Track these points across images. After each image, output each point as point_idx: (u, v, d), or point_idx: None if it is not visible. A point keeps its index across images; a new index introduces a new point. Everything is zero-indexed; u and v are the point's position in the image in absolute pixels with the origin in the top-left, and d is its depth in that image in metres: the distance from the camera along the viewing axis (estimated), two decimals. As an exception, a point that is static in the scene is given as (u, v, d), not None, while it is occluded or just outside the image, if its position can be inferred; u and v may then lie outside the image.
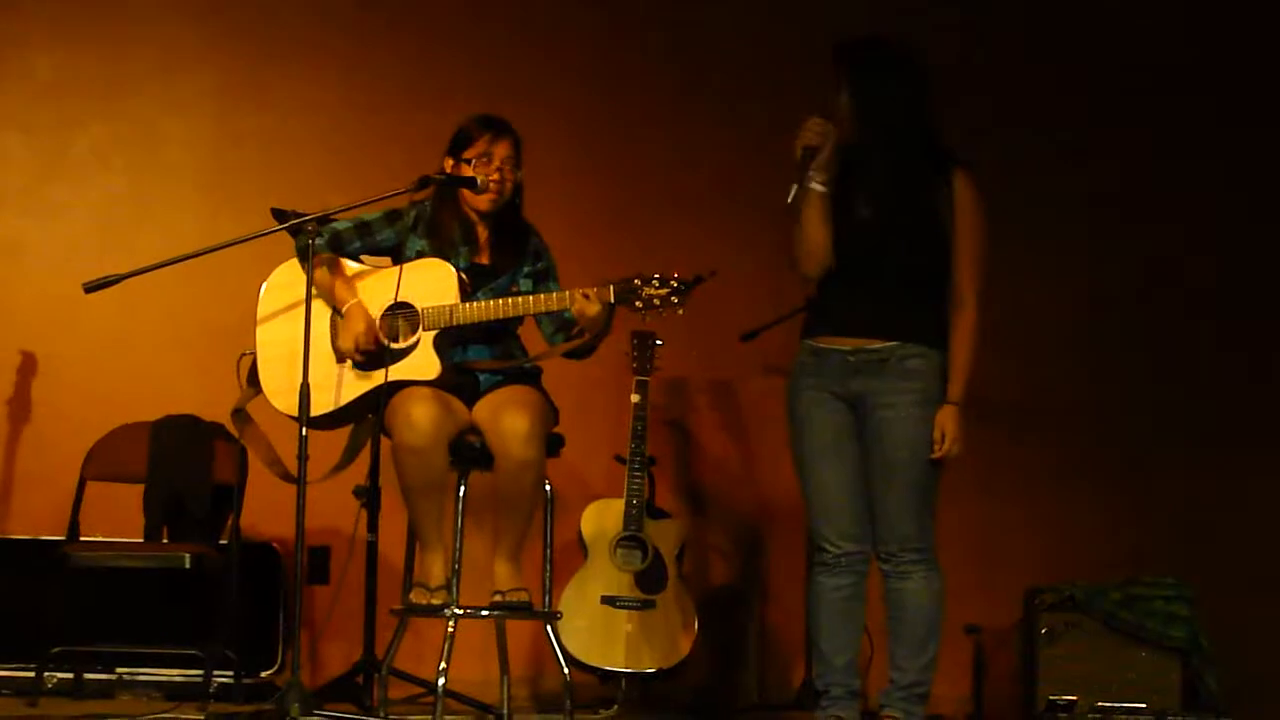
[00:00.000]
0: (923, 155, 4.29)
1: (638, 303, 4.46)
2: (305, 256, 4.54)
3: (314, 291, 4.53)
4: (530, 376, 4.70)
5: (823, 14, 5.96)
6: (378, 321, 4.60)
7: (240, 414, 4.74)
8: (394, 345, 4.57)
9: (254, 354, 4.69)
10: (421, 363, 4.56)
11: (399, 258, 4.67)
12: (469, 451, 4.56)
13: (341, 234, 4.69)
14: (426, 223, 4.71)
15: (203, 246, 4.63)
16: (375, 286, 4.63)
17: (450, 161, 4.71)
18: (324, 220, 4.55)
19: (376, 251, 4.75)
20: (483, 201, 4.68)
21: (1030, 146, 6.05)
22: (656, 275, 4.47)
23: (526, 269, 4.74)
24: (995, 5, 6.16)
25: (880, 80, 4.27)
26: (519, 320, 4.71)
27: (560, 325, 4.70)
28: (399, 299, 4.57)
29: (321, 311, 4.60)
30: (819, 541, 4.35)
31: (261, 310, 4.69)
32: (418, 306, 4.57)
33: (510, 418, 4.48)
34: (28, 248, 6.04)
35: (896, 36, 4.38)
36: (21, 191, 6.09)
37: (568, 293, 4.54)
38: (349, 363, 4.60)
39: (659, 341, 5.59)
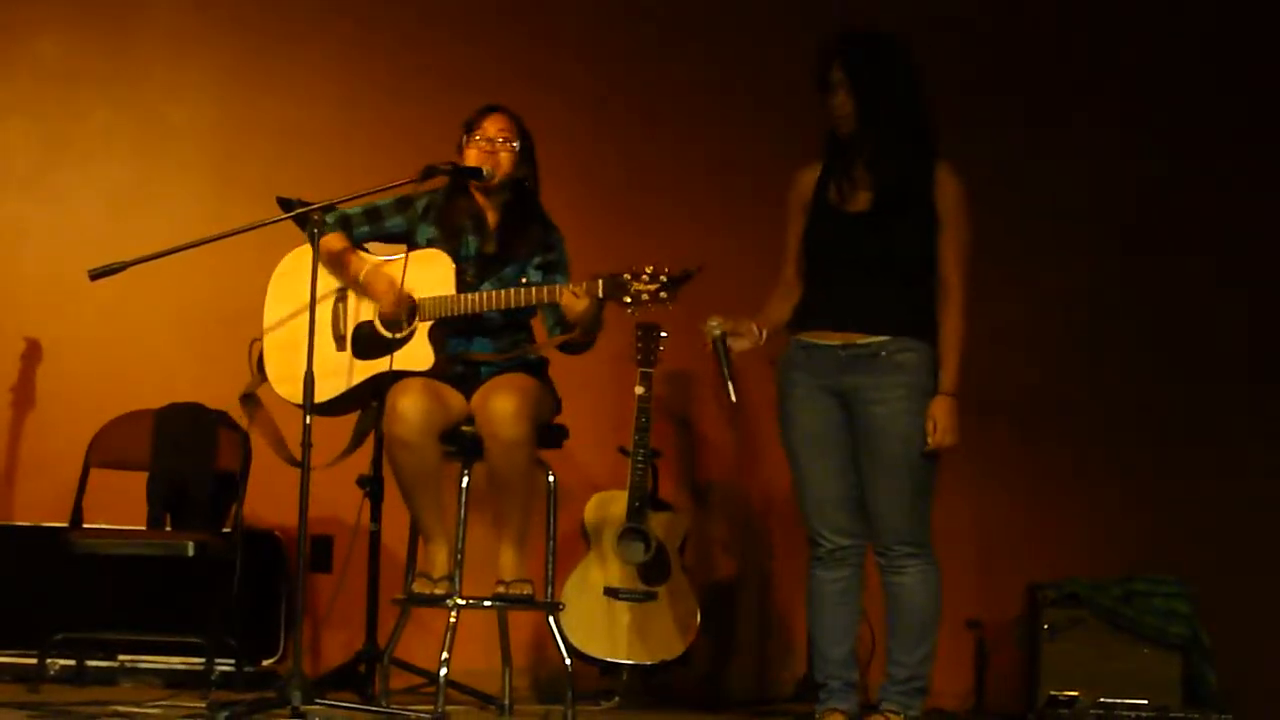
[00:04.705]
0: (916, 149, 4.28)
1: (626, 298, 4.43)
2: (314, 244, 4.53)
3: (325, 267, 4.53)
4: (533, 368, 4.70)
5: (827, 6, 5.95)
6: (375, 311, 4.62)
7: (250, 398, 4.74)
8: (391, 335, 4.58)
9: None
10: (416, 354, 4.57)
11: (412, 245, 4.68)
12: (464, 441, 4.56)
13: (351, 218, 4.71)
14: (437, 211, 4.71)
15: (208, 234, 4.62)
16: (378, 275, 4.66)
17: (461, 157, 4.73)
18: (329, 209, 4.54)
19: (385, 238, 4.76)
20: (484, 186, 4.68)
21: (1034, 146, 6.04)
22: (645, 270, 4.43)
23: (537, 260, 4.73)
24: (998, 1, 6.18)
25: (877, 74, 4.26)
26: (530, 312, 4.71)
27: (559, 319, 4.68)
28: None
29: (325, 298, 4.60)
30: (813, 535, 4.36)
31: (269, 297, 4.72)
32: (415, 297, 4.58)
33: (497, 399, 4.47)
34: (33, 233, 6.05)
35: (890, 31, 4.37)
36: (27, 177, 6.09)
37: (557, 287, 4.53)
38: (349, 350, 4.61)
39: (663, 334, 5.58)
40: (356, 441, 4.78)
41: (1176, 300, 6.06)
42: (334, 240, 4.66)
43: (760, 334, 4.38)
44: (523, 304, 4.57)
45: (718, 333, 4.33)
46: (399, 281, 4.56)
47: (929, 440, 4.21)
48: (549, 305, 4.61)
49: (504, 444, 4.46)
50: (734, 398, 4.30)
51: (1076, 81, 6.12)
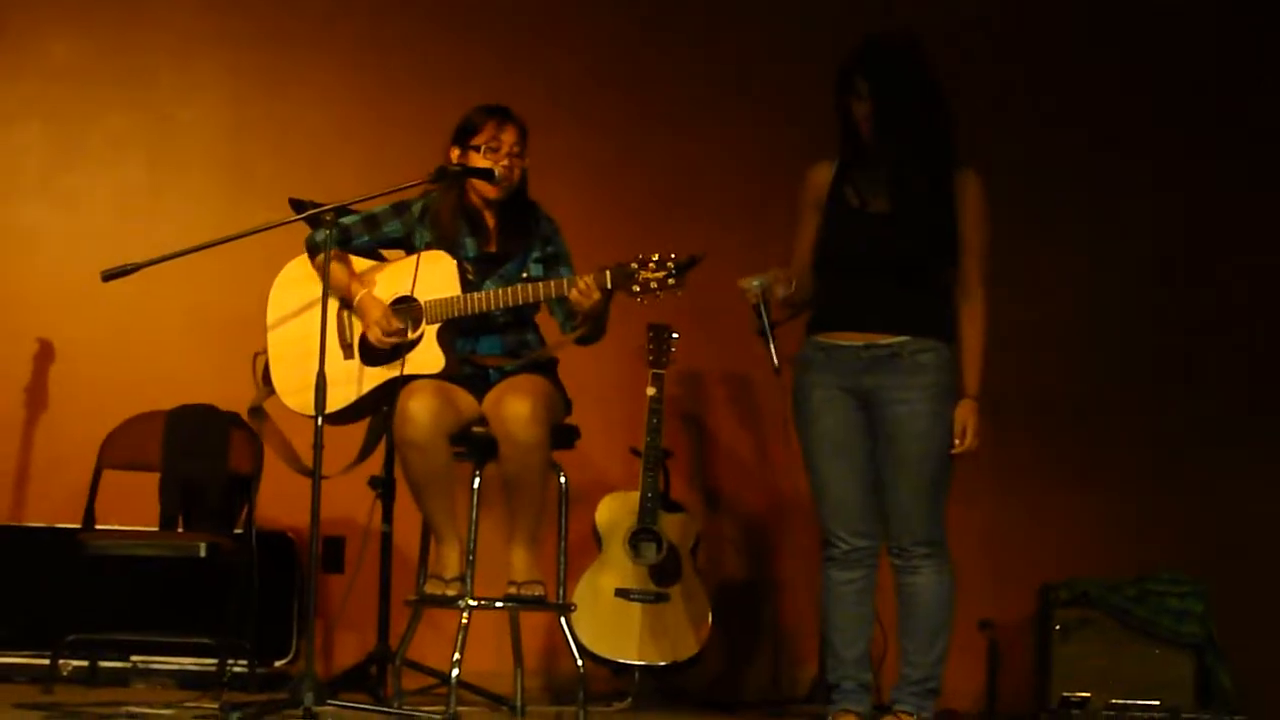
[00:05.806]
0: (935, 152, 4.27)
1: (635, 287, 4.39)
2: (316, 250, 4.53)
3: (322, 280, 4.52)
4: (543, 368, 4.69)
5: (833, 7, 5.96)
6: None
7: (258, 412, 4.75)
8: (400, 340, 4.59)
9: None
10: (426, 357, 4.56)
11: (410, 249, 4.67)
12: (476, 442, 4.56)
13: (350, 228, 4.69)
14: (434, 213, 4.70)
15: (219, 235, 4.62)
16: (381, 280, 4.65)
17: (456, 151, 4.70)
18: (342, 210, 4.54)
19: (385, 244, 4.75)
20: (492, 190, 4.67)
21: (1038, 147, 6.03)
22: (653, 258, 4.38)
23: (536, 254, 4.72)
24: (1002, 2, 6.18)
25: (901, 83, 4.24)
26: (534, 309, 4.70)
27: (569, 313, 4.66)
28: (399, 294, 4.57)
29: (331, 306, 4.58)
30: (828, 536, 4.35)
31: (271, 309, 4.70)
32: (420, 300, 4.57)
33: (511, 403, 4.46)
34: (45, 236, 6.06)
35: (907, 33, 4.36)
36: (39, 180, 6.10)
37: (564, 280, 4.51)
38: (358, 358, 4.60)
39: (675, 334, 5.58)
40: (368, 449, 4.78)
41: (1185, 303, 6.05)
42: (332, 260, 4.61)
43: (791, 282, 4.26)
44: (530, 300, 4.56)
45: (758, 291, 4.18)
46: (390, 313, 4.54)
47: (956, 444, 4.22)
48: (559, 300, 4.60)
49: (520, 447, 4.46)
50: (777, 363, 4.23)
51: (1087, 84, 6.11)
